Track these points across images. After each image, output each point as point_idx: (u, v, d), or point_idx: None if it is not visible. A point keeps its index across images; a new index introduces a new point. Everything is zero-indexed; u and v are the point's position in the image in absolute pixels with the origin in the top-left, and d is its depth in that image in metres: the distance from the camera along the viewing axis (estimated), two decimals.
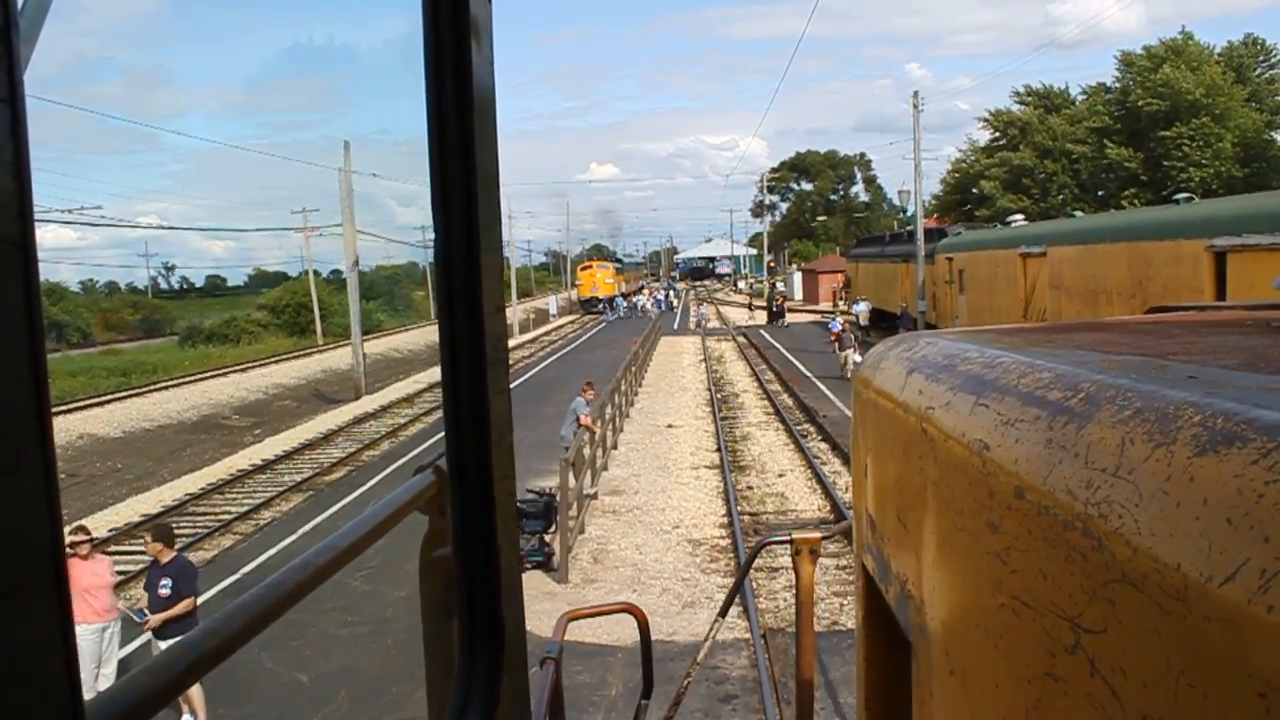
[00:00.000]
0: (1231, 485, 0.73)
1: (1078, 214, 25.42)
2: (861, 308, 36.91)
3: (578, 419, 14.90)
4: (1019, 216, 30.05)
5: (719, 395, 26.45)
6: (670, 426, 21.31)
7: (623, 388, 21.66)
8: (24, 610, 0.48)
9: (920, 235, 32.14)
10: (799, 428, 20.65)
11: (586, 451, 14.76)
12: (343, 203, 30.85)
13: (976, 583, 1.20)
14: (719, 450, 18.69)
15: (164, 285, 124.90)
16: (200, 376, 38.22)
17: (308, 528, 14.24)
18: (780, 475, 16.42)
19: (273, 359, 45.60)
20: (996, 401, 1.23)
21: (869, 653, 2.07)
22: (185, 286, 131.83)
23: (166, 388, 35.46)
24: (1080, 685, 0.89)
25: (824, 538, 3.40)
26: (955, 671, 1.31)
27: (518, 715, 1.28)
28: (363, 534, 1.06)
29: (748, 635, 9.60)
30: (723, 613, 3.44)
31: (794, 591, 3.56)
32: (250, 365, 42.44)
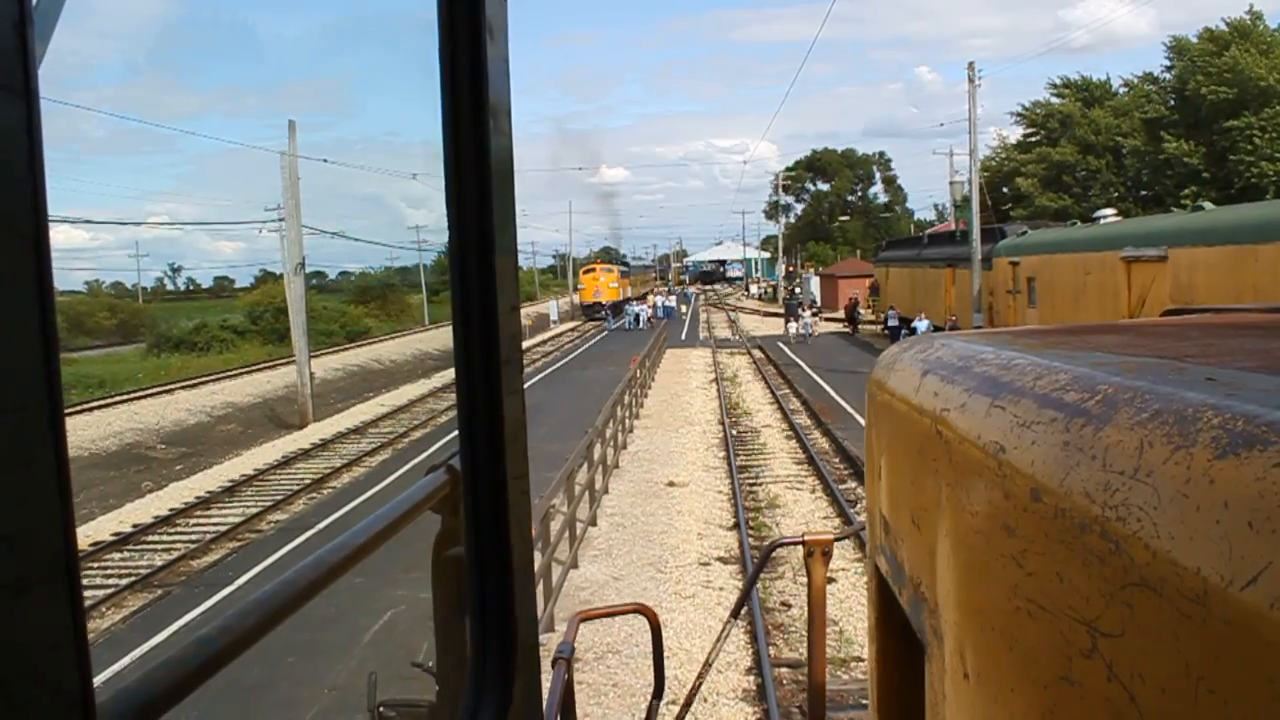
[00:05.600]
0: (1253, 488, 0.72)
1: (1207, 205, 20.21)
2: (923, 326, 31.07)
3: None
4: (1110, 212, 24.78)
5: (735, 432, 21.29)
6: (672, 484, 16.14)
7: (608, 433, 16.50)
8: (37, 607, 0.48)
9: (976, 234, 26.78)
10: (843, 488, 15.46)
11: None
12: (285, 193, 25.82)
13: (992, 585, 1.19)
14: (737, 527, 13.56)
15: (170, 286, 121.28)
16: (137, 395, 33.09)
17: (121, 665, 9.17)
18: (830, 580, 11.24)
19: (240, 370, 40.57)
20: (1013, 403, 1.22)
21: (881, 655, 2.07)
22: (191, 288, 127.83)
23: (94, 409, 30.38)
24: (1097, 690, 0.88)
25: (837, 539, 3.24)
26: (969, 675, 1.30)
27: (530, 715, 1.27)
28: (376, 532, 1.05)
29: None
30: (734, 614, 3.24)
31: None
32: (208, 379, 37.27)
